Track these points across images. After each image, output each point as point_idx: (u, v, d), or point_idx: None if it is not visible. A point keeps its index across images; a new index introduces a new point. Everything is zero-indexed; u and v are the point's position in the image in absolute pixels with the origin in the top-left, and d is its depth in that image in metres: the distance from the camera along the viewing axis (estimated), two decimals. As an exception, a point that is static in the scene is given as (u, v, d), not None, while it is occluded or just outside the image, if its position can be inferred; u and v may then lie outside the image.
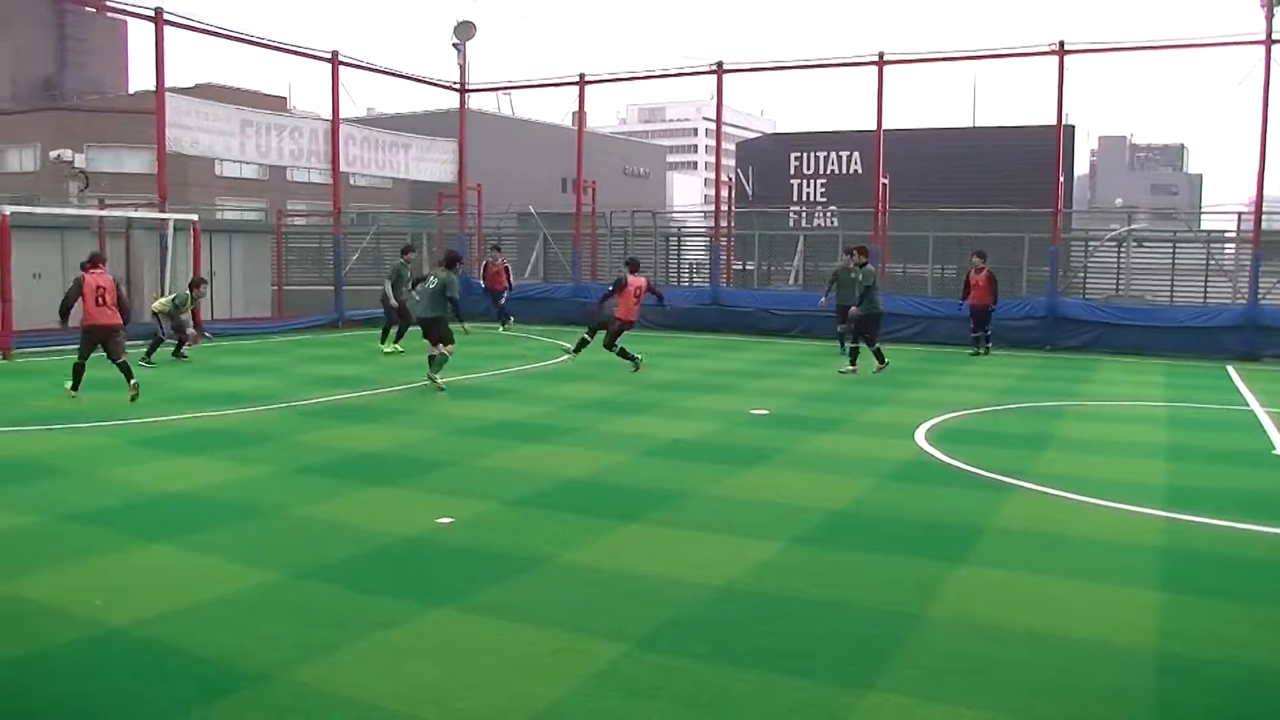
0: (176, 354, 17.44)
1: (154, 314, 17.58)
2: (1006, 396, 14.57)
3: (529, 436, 11.08)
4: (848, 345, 18.24)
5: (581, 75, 27.80)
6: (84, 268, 13.35)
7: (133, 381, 12.70)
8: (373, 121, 47.81)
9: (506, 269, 25.16)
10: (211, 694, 4.58)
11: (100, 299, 13.00)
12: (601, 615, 5.64)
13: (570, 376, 16.30)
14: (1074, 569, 6.61)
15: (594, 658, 5.04)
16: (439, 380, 14.29)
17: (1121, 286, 24.60)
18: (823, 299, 19.94)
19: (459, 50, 29.35)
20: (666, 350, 20.59)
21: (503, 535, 7.24)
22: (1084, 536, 7.41)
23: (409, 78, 28.91)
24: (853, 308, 17.19)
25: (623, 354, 16.84)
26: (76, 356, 13.11)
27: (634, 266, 17.61)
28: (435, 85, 29.64)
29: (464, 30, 29.38)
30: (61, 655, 5.02)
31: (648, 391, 14.65)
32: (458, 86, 29.53)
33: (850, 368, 16.94)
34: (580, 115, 29.57)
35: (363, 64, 26.58)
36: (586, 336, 17.48)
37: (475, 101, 37.40)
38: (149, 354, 16.64)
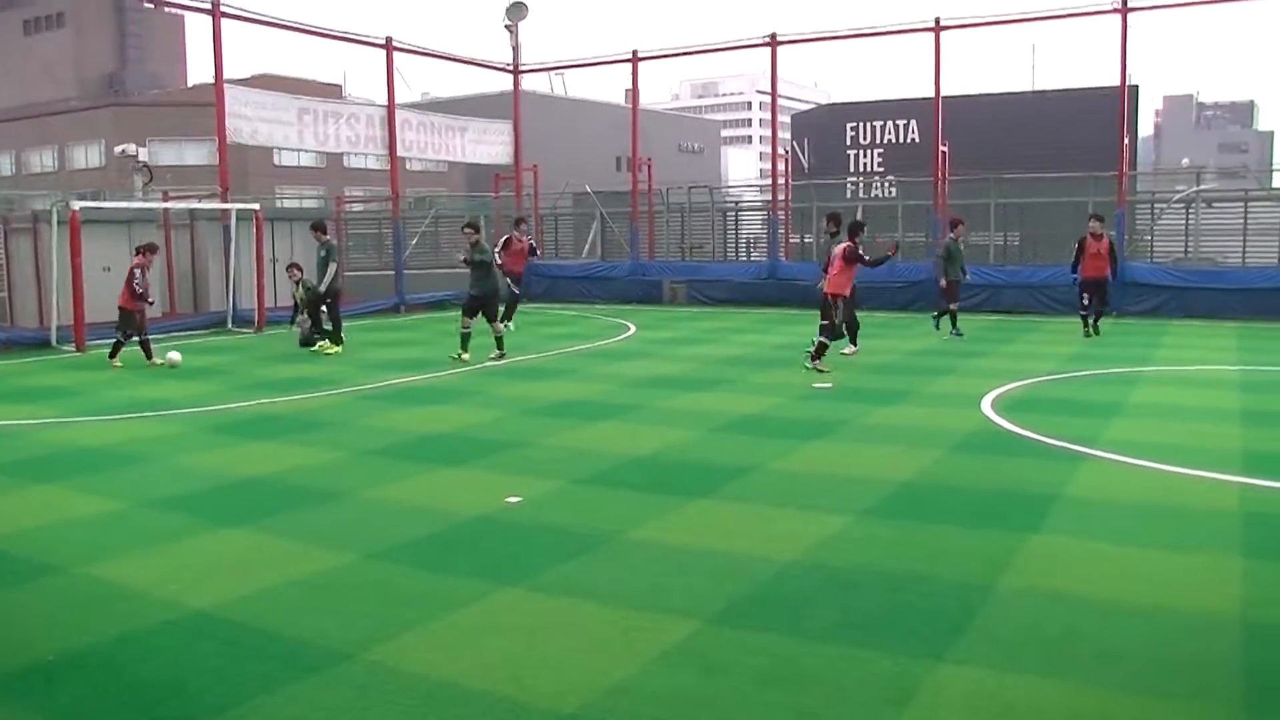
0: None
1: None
2: (1074, 364, 14.35)
3: (592, 415, 11.12)
4: (942, 319, 18.24)
5: (634, 52, 27.79)
6: None
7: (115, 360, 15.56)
8: (428, 106, 48.12)
9: (532, 248, 20.90)
10: (294, 673, 4.67)
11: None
12: (671, 592, 5.66)
13: (628, 355, 16.32)
14: (1152, 537, 6.50)
15: (666, 634, 5.05)
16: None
17: (1190, 249, 24.06)
18: (942, 281, 18.18)
19: (511, 32, 29.43)
20: (726, 325, 20.55)
21: (570, 514, 7.28)
22: (1161, 504, 7.29)
23: (462, 61, 29.22)
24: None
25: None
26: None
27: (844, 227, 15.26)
28: (489, 67, 29.81)
29: (516, 11, 29.44)
30: (149, 636, 5.14)
31: (709, 367, 14.63)
32: (511, 68, 29.62)
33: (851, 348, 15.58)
34: (634, 92, 29.48)
35: (416, 49, 26.79)
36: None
37: (529, 82, 37.44)
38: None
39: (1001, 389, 12.19)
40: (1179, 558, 6.13)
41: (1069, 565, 6.01)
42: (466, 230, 16.07)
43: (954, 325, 18.15)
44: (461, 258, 15.85)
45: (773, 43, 25.49)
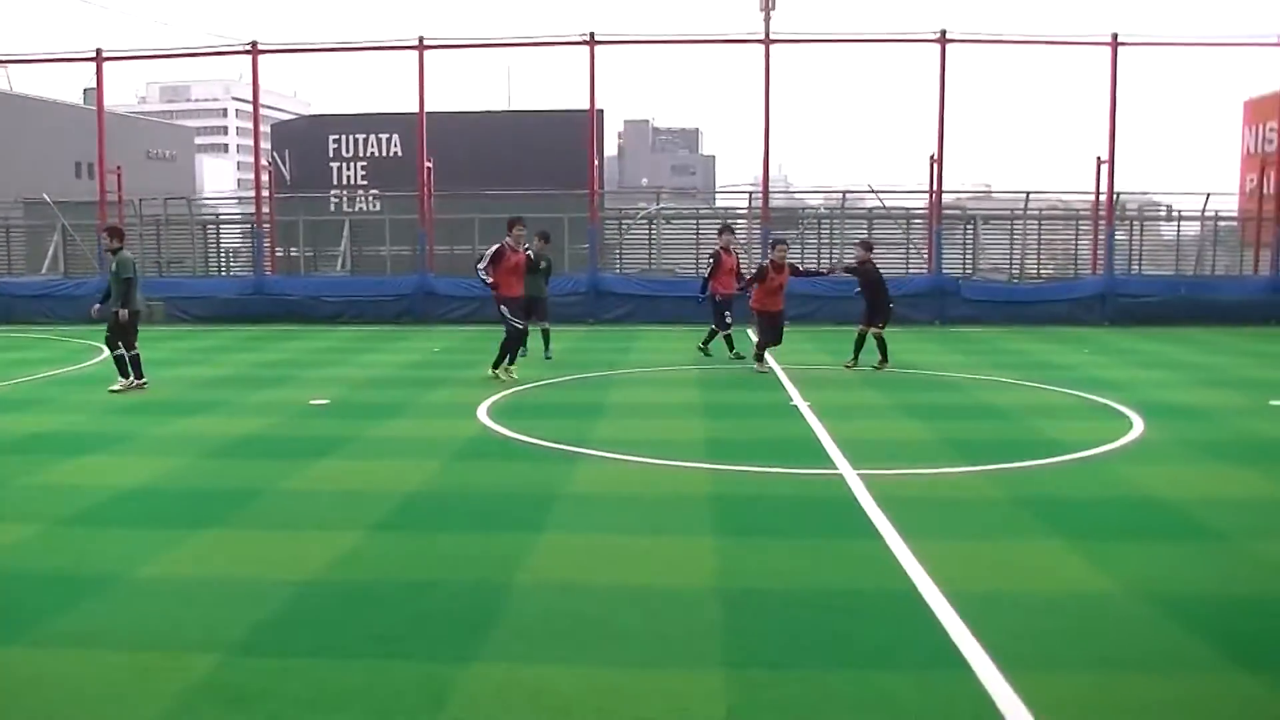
0: None
1: None
2: (558, 369, 15.36)
3: (72, 448, 10.13)
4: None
5: (99, 50, 25.47)
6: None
7: None
8: None
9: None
10: None
11: None
12: (188, 626, 5.41)
13: (107, 379, 15.05)
14: (642, 525, 7.26)
15: (188, 671, 4.83)
16: None
17: (653, 261, 26.53)
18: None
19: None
20: (212, 344, 19.59)
21: (63, 558, 6.66)
22: (647, 494, 8.13)
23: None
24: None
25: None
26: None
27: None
28: (-88, 57, 26.01)
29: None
30: None
31: (196, 390, 13.92)
32: (-60, 59, 26.10)
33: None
34: (99, 94, 27.06)
35: None
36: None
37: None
38: None
39: (495, 396, 12.77)
40: (664, 541, 6.88)
41: (573, 557, 6.55)
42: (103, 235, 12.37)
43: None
44: None
45: (254, 50, 24.65)
